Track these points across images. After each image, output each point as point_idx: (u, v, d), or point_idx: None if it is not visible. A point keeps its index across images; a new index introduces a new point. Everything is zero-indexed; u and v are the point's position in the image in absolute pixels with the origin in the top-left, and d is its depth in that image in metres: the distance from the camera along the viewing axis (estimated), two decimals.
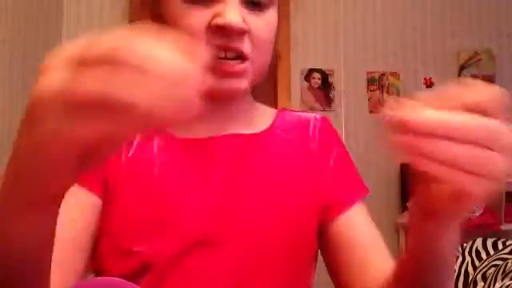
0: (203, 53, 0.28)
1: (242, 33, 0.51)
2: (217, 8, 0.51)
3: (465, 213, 0.36)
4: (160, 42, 0.27)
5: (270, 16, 0.56)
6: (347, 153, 0.68)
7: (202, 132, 0.60)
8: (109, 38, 0.27)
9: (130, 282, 0.36)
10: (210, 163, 0.58)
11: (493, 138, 0.30)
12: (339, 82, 3.04)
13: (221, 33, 0.51)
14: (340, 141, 0.68)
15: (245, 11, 0.53)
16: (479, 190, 0.31)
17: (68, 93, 0.27)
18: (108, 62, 0.26)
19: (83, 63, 0.27)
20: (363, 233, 0.61)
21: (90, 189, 0.56)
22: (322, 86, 3.03)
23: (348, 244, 0.59)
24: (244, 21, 0.52)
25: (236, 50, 0.52)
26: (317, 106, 3.00)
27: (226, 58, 0.52)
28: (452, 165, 0.30)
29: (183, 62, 0.27)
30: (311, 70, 3.02)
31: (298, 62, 2.99)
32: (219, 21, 0.50)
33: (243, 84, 0.55)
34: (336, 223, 0.60)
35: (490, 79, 3.20)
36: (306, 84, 3.01)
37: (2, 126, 1.94)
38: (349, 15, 3.10)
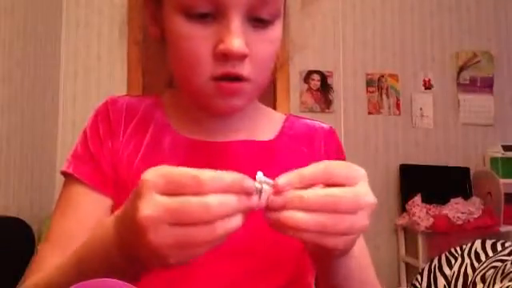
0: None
1: (243, 57, 0.52)
2: (220, 29, 0.51)
3: (333, 256, 0.46)
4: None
5: (274, 32, 0.55)
6: None
7: (211, 135, 0.61)
8: (182, 171, 0.37)
9: (129, 284, 0.37)
10: (223, 167, 0.58)
11: (357, 205, 0.40)
12: (338, 83, 3.05)
13: (223, 58, 0.51)
14: (343, 154, 0.69)
15: (248, 29, 0.52)
16: (342, 243, 0.40)
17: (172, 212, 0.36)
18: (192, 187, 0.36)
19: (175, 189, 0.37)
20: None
21: (105, 192, 0.58)
22: (321, 88, 3.03)
23: None
24: (247, 42, 0.51)
25: (236, 75, 0.53)
26: (316, 107, 3.00)
27: (224, 80, 0.53)
28: (321, 233, 0.39)
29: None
30: (310, 72, 3.02)
31: (297, 63, 3.00)
32: (221, 48, 0.50)
33: (240, 102, 0.55)
34: None
35: (488, 81, 3.21)
36: (305, 86, 3.02)
37: (0, 126, 1.94)
38: (348, 17, 3.10)
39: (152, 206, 0.36)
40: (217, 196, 0.36)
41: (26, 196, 2.15)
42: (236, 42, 0.50)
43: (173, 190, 0.36)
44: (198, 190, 0.36)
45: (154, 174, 0.37)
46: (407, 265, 2.88)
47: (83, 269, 0.44)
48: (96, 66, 2.77)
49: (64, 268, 0.47)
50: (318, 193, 0.39)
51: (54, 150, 2.58)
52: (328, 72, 3.04)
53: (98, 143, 0.60)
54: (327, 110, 3.01)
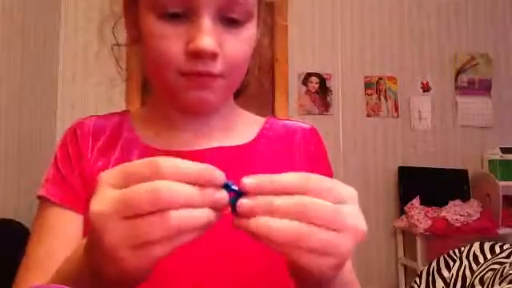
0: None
1: (214, 56, 0.52)
2: (191, 28, 0.52)
3: (314, 283, 0.38)
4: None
5: (247, 32, 0.55)
6: (330, 168, 0.67)
7: (184, 144, 0.60)
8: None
9: None
10: None
11: (338, 221, 0.34)
12: (337, 86, 3.05)
13: (195, 56, 0.52)
14: (325, 155, 0.68)
15: (220, 29, 0.53)
16: (320, 265, 0.34)
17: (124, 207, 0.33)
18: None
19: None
20: None
21: (78, 211, 0.59)
22: (320, 90, 3.03)
23: None
24: (218, 41, 0.52)
25: (206, 73, 0.53)
26: (314, 109, 3.01)
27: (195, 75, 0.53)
28: (295, 245, 0.33)
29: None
30: (309, 74, 3.03)
31: (296, 65, 3.00)
32: (191, 47, 0.51)
33: (212, 96, 0.55)
34: None
35: (486, 83, 3.22)
36: (303, 88, 3.02)
37: None
38: (346, 19, 3.11)
39: (101, 200, 0.33)
40: (169, 182, 0.32)
41: (23, 198, 2.14)
42: (206, 40, 0.50)
43: (127, 182, 0.33)
44: (155, 178, 0.33)
45: (110, 171, 0.35)
46: (406, 267, 2.88)
47: None
48: (94, 68, 2.76)
49: None
50: (290, 199, 0.34)
51: (51, 153, 2.57)
52: (326, 74, 3.05)
53: (67, 165, 0.62)
54: (326, 113, 3.01)
